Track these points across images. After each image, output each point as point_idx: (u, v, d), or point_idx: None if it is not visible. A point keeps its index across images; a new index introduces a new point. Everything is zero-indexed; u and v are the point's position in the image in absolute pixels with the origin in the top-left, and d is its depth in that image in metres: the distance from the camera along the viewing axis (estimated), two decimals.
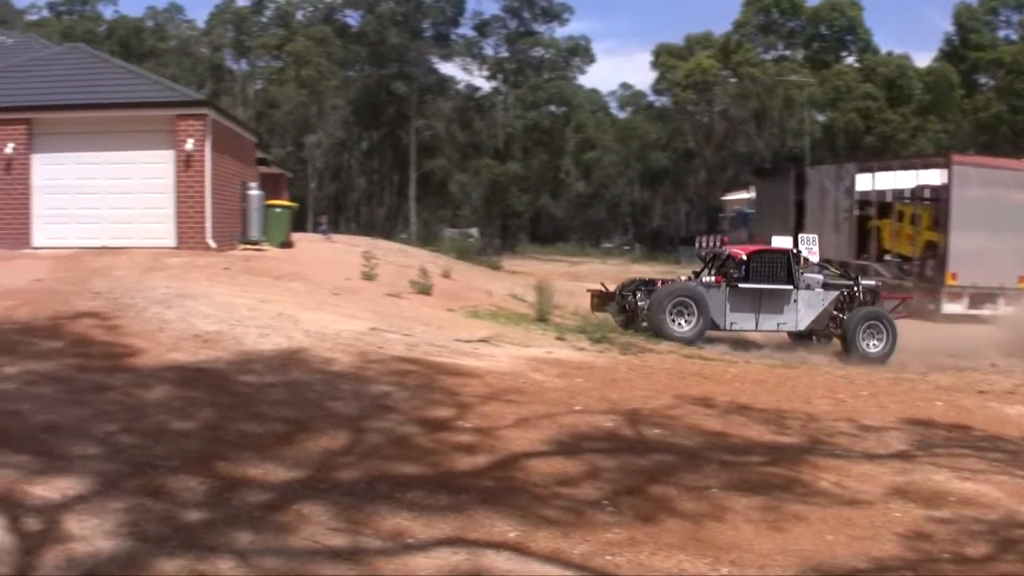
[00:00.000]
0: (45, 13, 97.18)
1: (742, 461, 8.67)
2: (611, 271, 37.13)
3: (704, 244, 23.83)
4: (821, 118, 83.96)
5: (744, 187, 57.08)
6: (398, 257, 29.38)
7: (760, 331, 21.31)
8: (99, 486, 6.77)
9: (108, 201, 22.31)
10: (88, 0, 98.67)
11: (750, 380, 13.39)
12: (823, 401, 12.10)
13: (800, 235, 22.85)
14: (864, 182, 34.10)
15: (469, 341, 13.99)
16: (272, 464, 7.50)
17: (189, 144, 23.38)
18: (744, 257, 21.41)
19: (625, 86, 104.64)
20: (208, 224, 23.65)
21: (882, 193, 33.31)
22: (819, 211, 36.23)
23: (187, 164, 23.53)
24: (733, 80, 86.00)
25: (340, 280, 19.48)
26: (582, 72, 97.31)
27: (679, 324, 20.07)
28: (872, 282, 22.90)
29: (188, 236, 23.41)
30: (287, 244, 28.73)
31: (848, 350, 20.28)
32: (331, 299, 16.54)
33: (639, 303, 20.88)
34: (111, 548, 5.79)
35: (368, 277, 20.56)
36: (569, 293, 22.21)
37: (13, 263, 19.29)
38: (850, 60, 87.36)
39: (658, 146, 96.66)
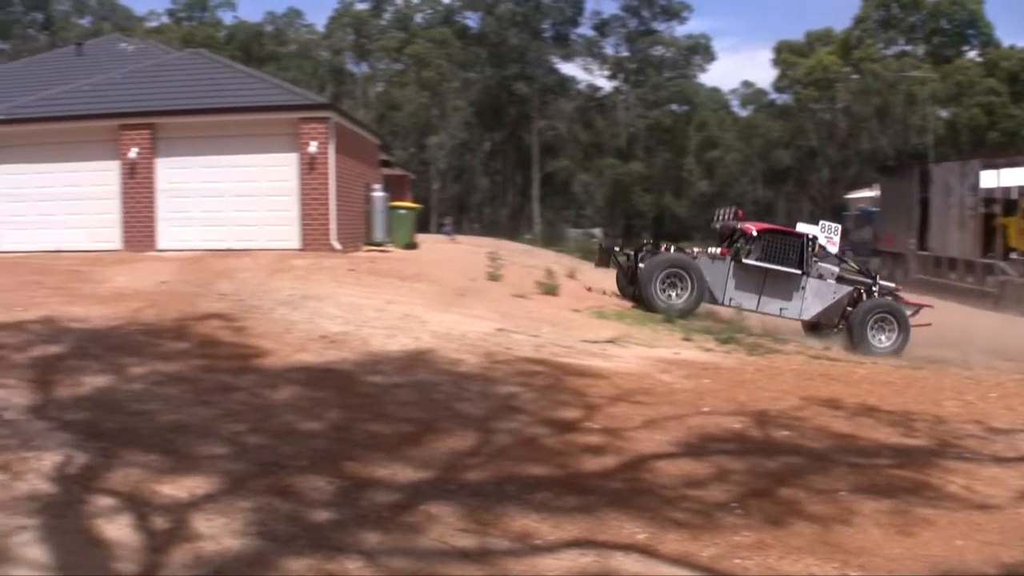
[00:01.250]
0: (164, 19, 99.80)
1: (870, 464, 8.47)
2: None
3: (720, 217, 23.44)
4: (944, 114, 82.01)
5: (868, 185, 55.93)
6: (523, 258, 29.41)
7: (759, 312, 20.67)
8: (227, 485, 6.86)
9: (232, 204, 22.74)
10: (207, 6, 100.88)
11: (877, 381, 13.06)
12: (951, 403, 11.73)
13: (821, 222, 21.94)
14: (989, 179, 33.23)
15: (596, 342, 13.89)
16: (400, 464, 7.51)
17: (312, 147, 23.70)
18: (755, 233, 21.05)
19: (746, 84, 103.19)
20: (332, 226, 23.92)
21: (1008, 190, 32.34)
22: (944, 209, 35.58)
23: (311, 167, 23.85)
24: (854, 76, 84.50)
25: (465, 281, 19.52)
26: (703, 70, 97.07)
27: (669, 296, 19.83)
28: (892, 284, 22.06)
29: (313, 238, 23.72)
30: (412, 245, 28.92)
31: (854, 343, 19.59)
32: (457, 300, 16.57)
33: (639, 265, 20.67)
34: (239, 547, 5.86)
35: (493, 278, 20.56)
36: None
37: (139, 265, 19.80)
38: (972, 54, 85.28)
39: (780, 144, 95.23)
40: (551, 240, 56.55)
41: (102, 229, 24.48)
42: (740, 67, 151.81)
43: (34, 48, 78.04)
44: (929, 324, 20.29)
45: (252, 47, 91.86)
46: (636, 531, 6.48)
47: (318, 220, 23.86)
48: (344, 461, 7.52)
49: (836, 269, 21.20)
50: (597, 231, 79.97)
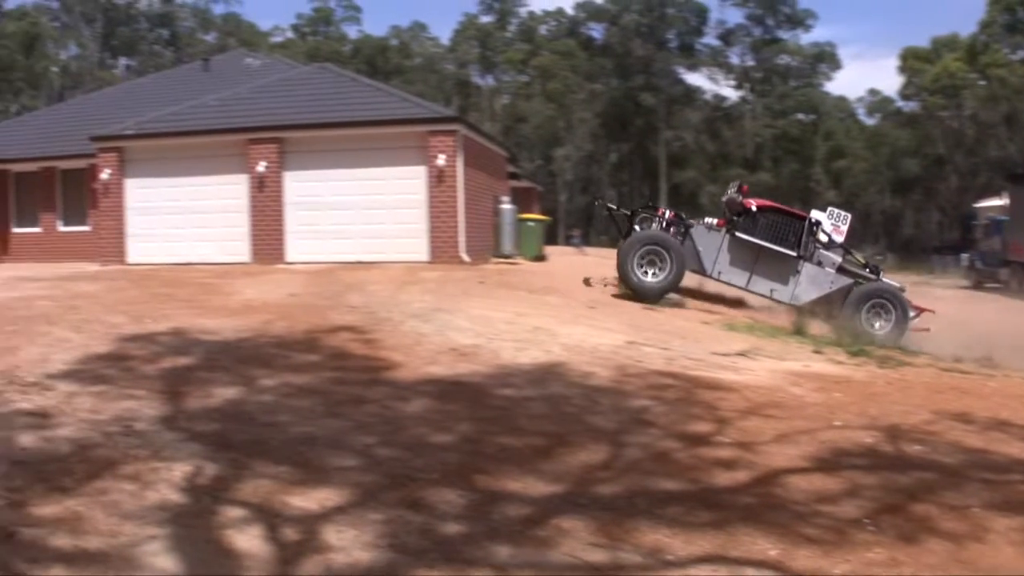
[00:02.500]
0: (289, 35, 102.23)
1: (1003, 480, 8.17)
2: None
3: (729, 192, 22.64)
4: None
5: (997, 193, 54.61)
6: None
7: (748, 291, 20.43)
8: (357, 497, 6.88)
9: (361, 216, 23.02)
10: (332, 21, 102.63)
11: (1010, 395, 12.61)
12: None
13: (829, 209, 21.33)
14: None
15: (727, 354, 13.71)
16: (531, 478, 7.46)
17: (441, 160, 23.92)
18: (754, 208, 20.55)
19: (873, 92, 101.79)
20: (461, 238, 24.09)
21: None
22: None
23: (439, 179, 24.07)
24: (981, 83, 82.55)
25: (595, 293, 19.46)
26: (829, 79, 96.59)
27: (647, 273, 19.58)
28: (897, 284, 21.02)
29: (442, 250, 23.92)
30: (540, 257, 29.01)
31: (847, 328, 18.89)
32: (587, 312, 16.51)
33: (633, 229, 20.47)
34: (369, 559, 5.86)
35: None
36: None
37: (268, 277, 20.17)
38: None
39: (908, 153, 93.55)
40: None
41: (231, 242, 25.08)
42: (866, 75, 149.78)
43: (160, 64, 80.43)
44: (928, 330, 19.51)
45: (377, 61, 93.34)
46: (768, 547, 6.36)
47: (447, 232, 24.05)
48: (475, 474, 7.50)
49: (838, 259, 20.57)
50: None
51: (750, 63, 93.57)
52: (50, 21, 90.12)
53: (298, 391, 9.81)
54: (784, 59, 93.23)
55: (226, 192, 25.23)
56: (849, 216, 21.00)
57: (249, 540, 6.08)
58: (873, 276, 20.55)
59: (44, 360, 11.22)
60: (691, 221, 21.20)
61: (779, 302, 20.36)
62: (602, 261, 22.74)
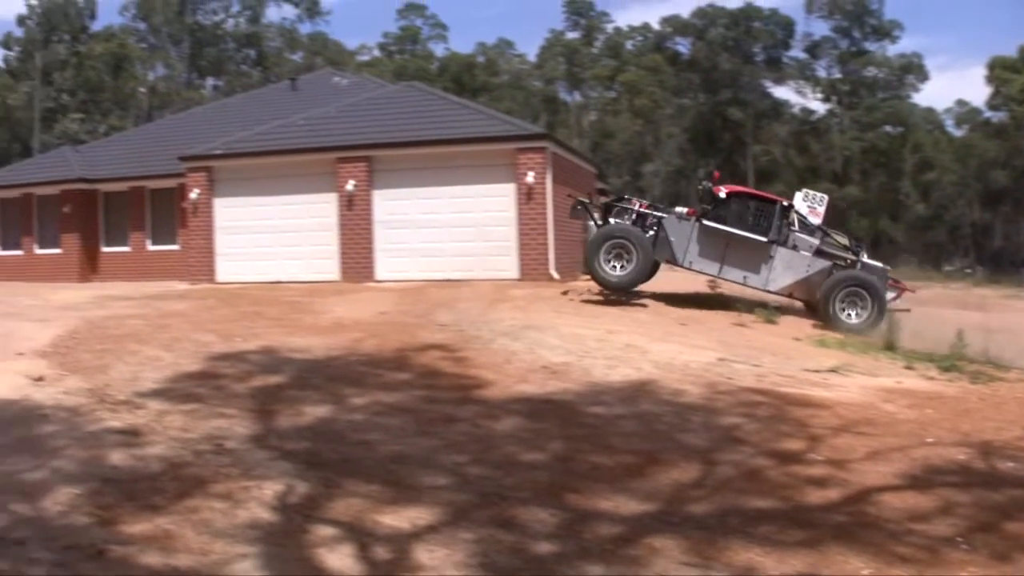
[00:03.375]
0: (376, 53, 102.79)
1: None
2: (953, 295, 35.31)
3: (704, 182, 22.26)
4: None
5: None
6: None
7: (722, 279, 20.15)
8: (449, 516, 6.90)
9: (449, 234, 23.11)
10: (419, 39, 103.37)
11: None
12: None
13: (804, 191, 20.77)
14: None
15: (818, 371, 13.55)
16: (623, 496, 7.45)
17: (529, 177, 23.92)
18: (723, 195, 20.12)
19: (960, 103, 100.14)
20: (551, 255, 24.07)
21: None
22: None
23: (528, 196, 24.07)
24: None
25: (685, 308, 19.36)
26: (916, 90, 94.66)
27: (614, 268, 19.40)
28: (879, 264, 20.59)
29: (531, 267, 23.91)
30: None
31: (823, 319, 18.85)
32: (678, 329, 16.43)
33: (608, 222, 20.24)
34: None
35: (712, 305, 20.34)
36: (913, 318, 21.19)
37: (357, 296, 20.36)
38: None
39: (997, 164, 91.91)
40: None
41: (320, 260, 25.32)
42: (953, 85, 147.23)
43: (247, 84, 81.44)
44: (908, 310, 19.20)
45: (464, 78, 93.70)
46: (861, 566, 6.30)
47: (536, 250, 24.04)
48: (567, 493, 7.50)
49: (816, 242, 20.03)
50: None
51: (837, 76, 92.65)
52: (137, 42, 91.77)
53: (389, 409, 9.88)
54: (871, 71, 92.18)
55: (315, 211, 25.47)
56: (826, 197, 20.55)
57: (340, 559, 6.13)
58: (852, 256, 20.07)
59: (134, 378, 11.43)
60: (663, 211, 20.90)
61: (755, 288, 20.21)
62: (693, 276, 22.55)
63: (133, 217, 32.99)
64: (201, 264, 27.36)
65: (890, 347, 17.11)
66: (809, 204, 20.09)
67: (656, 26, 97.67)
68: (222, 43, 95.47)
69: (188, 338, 14.14)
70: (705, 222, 19.88)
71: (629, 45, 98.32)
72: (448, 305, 17.87)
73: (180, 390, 10.79)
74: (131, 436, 8.90)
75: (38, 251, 34.10)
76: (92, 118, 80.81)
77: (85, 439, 8.81)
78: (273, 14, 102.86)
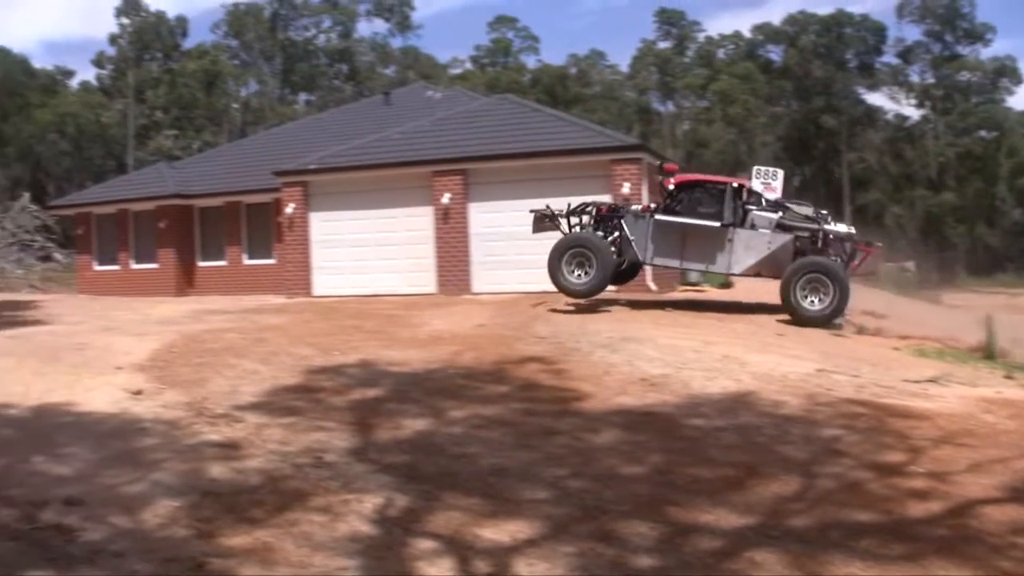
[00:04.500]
0: (468, 66, 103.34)
1: None
2: None
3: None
4: None
5: None
6: None
7: (686, 269, 20.41)
8: (548, 530, 6.91)
9: (545, 246, 23.05)
10: (511, 51, 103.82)
11: None
12: None
13: (756, 168, 20.28)
14: None
15: (917, 381, 13.35)
16: (723, 510, 7.42)
17: (626, 188, 23.95)
18: (672, 187, 19.76)
19: None
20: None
21: None
22: None
23: None
24: None
25: (782, 319, 19.19)
26: (1010, 93, 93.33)
27: (577, 275, 19.21)
28: (844, 228, 20.05)
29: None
30: (727, 284, 28.85)
31: (785, 306, 18.43)
32: (775, 339, 16.28)
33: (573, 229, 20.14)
34: None
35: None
36: (1012, 327, 20.75)
37: (454, 308, 20.50)
38: None
39: None
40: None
41: (416, 273, 25.52)
42: None
43: (340, 99, 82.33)
44: (874, 272, 19.33)
45: (556, 90, 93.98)
46: None
47: None
48: (667, 506, 7.48)
49: (774, 217, 19.47)
50: (910, 264, 77.71)
51: (930, 81, 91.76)
52: (230, 59, 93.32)
53: (488, 422, 9.92)
54: (964, 75, 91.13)
55: (411, 224, 25.66)
56: (780, 172, 20.16)
57: (440, 572, 6.18)
58: (814, 225, 19.49)
59: (233, 392, 11.59)
60: (622, 212, 20.52)
61: (718, 274, 20.47)
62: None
63: (229, 232, 33.46)
64: (297, 278, 27.68)
65: (989, 356, 16.85)
66: (763, 180, 19.77)
67: (747, 34, 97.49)
68: (314, 58, 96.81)
69: (286, 351, 14.33)
70: (658, 217, 19.61)
71: (721, 53, 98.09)
72: (545, 317, 17.92)
73: (278, 403, 10.93)
74: (230, 449, 9.03)
75: (134, 266, 34.73)
76: (186, 134, 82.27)
77: (184, 452, 8.97)
78: (364, 29, 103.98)
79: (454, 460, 8.57)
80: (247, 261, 32.88)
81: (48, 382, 12.17)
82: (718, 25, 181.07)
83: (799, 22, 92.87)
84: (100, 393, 11.54)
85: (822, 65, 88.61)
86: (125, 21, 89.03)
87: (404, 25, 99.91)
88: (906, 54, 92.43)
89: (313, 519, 7.12)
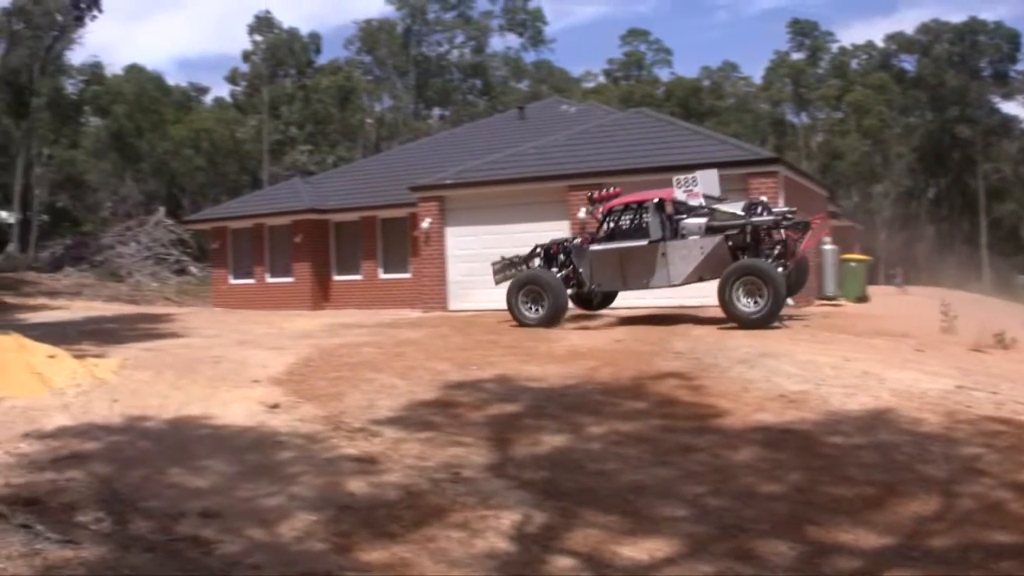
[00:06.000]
0: (601, 80, 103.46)
1: None
2: None
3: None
4: None
5: None
6: (974, 308, 28.14)
7: (632, 290, 21.06)
8: (687, 548, 6.90)
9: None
10: (643, 64, 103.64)
11: None
12: None
13: (675, 177, 20.47)
14: None
15: None
16: (863, 529, 7.33)
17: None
18: (600, 216, 21.41)
19: None
20: None
21: None
22: None
23: None
24: None
25: (922, 335, 18.86)
26: None
27: (532, 309, 20.72)
28: (784, 208, 20.65)
29: None
30: (863, 299, 28.69)
31: (724, 311, 18.76)
32: (913, 355, 16.00)
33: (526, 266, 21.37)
34: None
35: (948, 331, 19.76)
36: None
37: (589, 323, 20.67)
38: None
39: None
40: (1002, 289, 54.33)
41: None
42: None
43: (474, 113, 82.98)
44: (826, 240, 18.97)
45: (690, 103, 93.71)
46: None
47: None
48: (806, 525, 7.41)
49: (702, 222, 19.61)
50: None
51: None
52: (363, 75, 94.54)
53: (626, 439, 9.90)
54: None
55: (547, 239, 25.75)
56: (698, 177, 20.23)
57: None
58: (745, 220, 19.45)
59: (370, 406, 11.74)
60: (568, 247, 21.72)
61: (661, 288, 20.73)
62: (924, 301, 21.95)
63: (364, 246, 33.93)
64: (433, 292, 28.00)
65: None
66: (685, 189, 20.07)
67: (880, 43, 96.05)
68: (447, 73, 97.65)
69: (423, 366, 14.47)
70: (593, 247, 20.72)
71: (854, 64, 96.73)
72: (682, 332, 17.91)
73: (415, 418, 11.04)
74: (367, 464, 9.14)
75: (270, 280, 35.40)
76: (320, 150, 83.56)
77: (321, 466, 9.11)
78: (497, 44, 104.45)
79: (592, 476, 8.58)
80: (382, 275, 33.29)
81: (185, 395, 12.49)
82: (851, 35, 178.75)
83: (932, 31, 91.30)
84: (237, 406, 11.79)
85: (956, 74, 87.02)
86: (258, 38, 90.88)
87: (537, 39, 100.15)
88: None
89: (451, 535, 7.18)
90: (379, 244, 33.69)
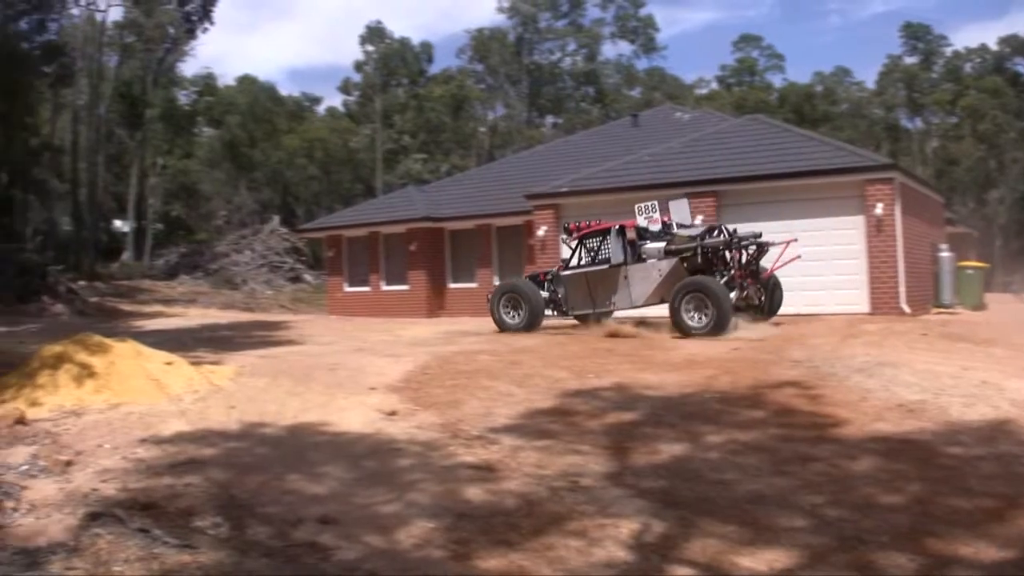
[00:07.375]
0: (714, 86, 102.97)
1: None
2: None
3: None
4: None
5: None
6: None
7: (599, 313, 22.48)
8: (806, 559, 6.84)
9: (798, 268, 22.81)
10: (756, 70, 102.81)
11: None
12: None
13: (636, 206, 22.51)
14: None
15: None
16: (983, 542, 7.19)
17: (878, 209, 23.67)
18: (572, 244, 23.31)
19: None
20: (901, 288, 23.66)
21: None
22: None
23: (877, 229, 23.76)
24: None
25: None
26: None
27: (511, 315, 23.02)
28: (752, 232, 21.54)
29: (881, 301, 23.55)
30: (980, 306, 28.25)
31: (675, 325, 20.08)
32: None
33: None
34: None
35: None
36: None
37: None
38: None
39: None
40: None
41: None
42: None
43: (587, 121, 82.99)
44: (798, 257, 20.99)
45: (804, 108, 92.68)
46: None
47: (886, 283, 23.66)
48: (925, 537, 7.29)
49: (661, 245, 21.49)
50: None
51: None
52: (476, 84, 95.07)
53: (744, 448, 9.85)
54: None
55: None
56: (656, 204, 22.41)
57: None
58: (695, 244, 20.93)
59: (487, 414, 11.80)
60: (550, 274, 23.89)
61: (624, 309, 22.48)
62: None
63: (479, 254, 34.16)
64: None
65: None
66: (646, 216, 22.06)
67: (994, 47, 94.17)
68: (560, 81, 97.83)
69: (540, 374, 14.53)
70: (564, 273, 22.66)
71: (967, 67, 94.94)
72: (800, 340, 17.73)
73: (533, 426, 11.09)
74: (485, 471, 9.19)
75: (385, 287, 35.84)
76: (434, 158, 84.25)
77: (439, 473, 9.17)
78: (609, 51, 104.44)
79: (711, 486, 8.54)
80: (498, 283, 33.42)
81: (302, 401, 12.65)
82: (964, 38, 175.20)
83: None
84: (354, 413, 11.92)
85: None
86: (370, 48, 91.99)
87: (649, 47, 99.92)
88: None
89: (569, 543, 7.19)
90: (494, 252, 33.93)
